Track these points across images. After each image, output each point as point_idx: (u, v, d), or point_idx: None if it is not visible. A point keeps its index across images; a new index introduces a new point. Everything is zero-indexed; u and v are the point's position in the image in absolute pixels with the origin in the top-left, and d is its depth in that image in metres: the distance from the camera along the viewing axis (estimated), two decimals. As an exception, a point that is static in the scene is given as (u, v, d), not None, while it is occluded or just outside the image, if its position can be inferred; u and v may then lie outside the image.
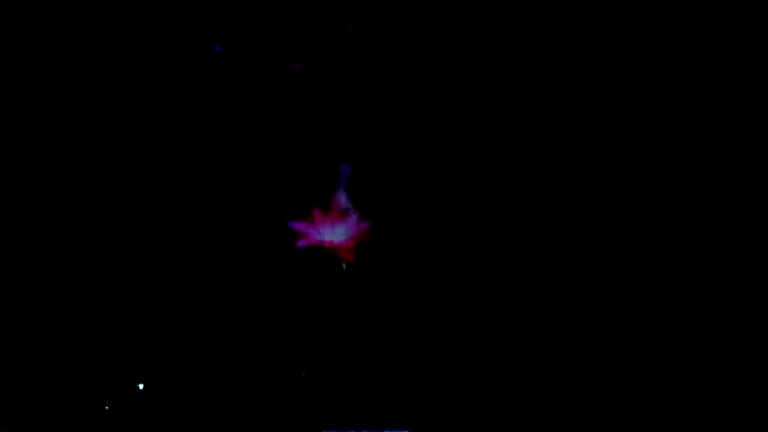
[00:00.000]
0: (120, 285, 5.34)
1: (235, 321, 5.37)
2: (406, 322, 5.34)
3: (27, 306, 5.27)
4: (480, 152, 5.45)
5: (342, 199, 5.36)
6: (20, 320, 5.25)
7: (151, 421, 5.19)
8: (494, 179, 5.42)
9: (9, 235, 5.32)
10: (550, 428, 5.14)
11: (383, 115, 5.48)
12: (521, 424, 5.16)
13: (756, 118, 5.26)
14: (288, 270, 5.43)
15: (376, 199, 5.43)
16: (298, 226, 5.28)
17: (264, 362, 5.32)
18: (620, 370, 5.18)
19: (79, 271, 5.33)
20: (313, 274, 5.43)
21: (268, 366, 5.31)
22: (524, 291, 5.32)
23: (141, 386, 5.25)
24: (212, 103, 5.47)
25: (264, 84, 5.47)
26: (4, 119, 5.37)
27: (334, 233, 5.29)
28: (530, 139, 5.42)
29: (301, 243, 5.29)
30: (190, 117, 5.46)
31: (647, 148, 5.35)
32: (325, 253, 5.41)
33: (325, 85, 5.47)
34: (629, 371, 5.17)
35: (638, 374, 5.16)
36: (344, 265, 5.30)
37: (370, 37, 5.46)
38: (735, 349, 5.11)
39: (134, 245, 5.38)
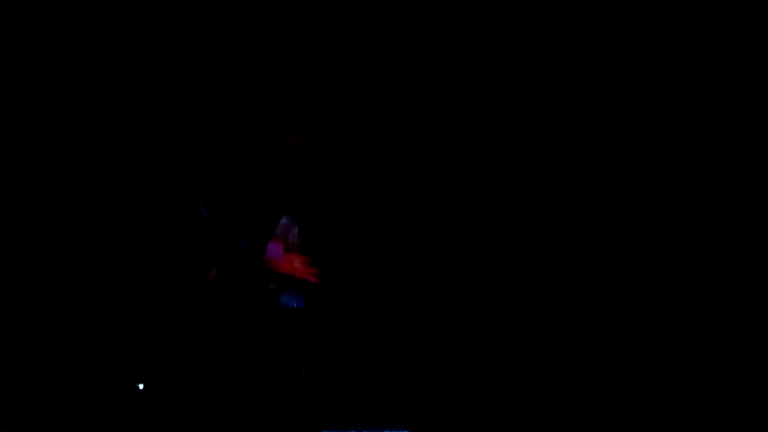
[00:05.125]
0: (120, 285, 5.35)
1: (234, 321, 5.37)
2: (405, 322, 5.35)
3: (27, 306, 5.28)
4: (474, 155, 5.46)
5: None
6: (20, 320, 5.26)
7: (151, 421, 5.19)
8: (490, 181, 5.44)
9: (9, 235, 5.33)
10: (550, 428, 5.15)
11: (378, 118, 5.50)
12: (521, 424, 5.16)
13: (756, 118, 5.26)
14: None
15: (375, 198, 5.44)
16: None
17: (264, 362, 5.32)
18: (620, 370, 5.18)
19: (79, 271, 5.34)
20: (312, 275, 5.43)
21: (268, 366, 5.32)
22: (523, 291, 5.33)
23: (141, 386, 5.25)
24: (209, 107, 5.48)
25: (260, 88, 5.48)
26: (3, 119, 5.38)
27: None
28: (525, 145, 5.44)
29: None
30: (188, 120, 5.47)
31: (647, 149, 5.35)
32: (324, 255, 5.42)
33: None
34: (629, 371, 5.18)
35: (638, 374, 5.17)
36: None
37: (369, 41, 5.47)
38: (735, 349, 5.12)
39: (134, 246, 5.39)
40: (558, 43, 5.40)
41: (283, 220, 5.01)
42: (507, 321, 5.31)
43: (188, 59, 5.47)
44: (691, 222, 5.30)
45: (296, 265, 4.95)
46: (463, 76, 5.47)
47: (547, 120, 5.44)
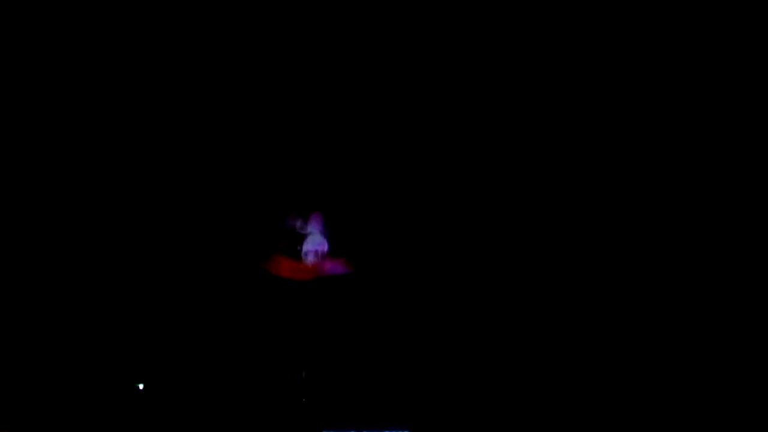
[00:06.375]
0: (120, 285, 5.35)
1: (235, 321, 5.38)
2: (405, 323, 5.35)
3: (27, 306, 5.28)
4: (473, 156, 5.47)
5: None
6: (20, 320, 5.26)
7: (151, 421, 5.20)
8: (489, 182, 5.45)
9: (9, 235, 5.33)
10: (550, 428, 5.15)
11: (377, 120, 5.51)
12: (521, 424, 5.16)
13: (756, 118, 5.27)
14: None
15: (375, 199, 5.45)
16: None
17: (264, 362, 5.32)
18: (620, 370, 5.19)
19: (79, 271, 5.34)
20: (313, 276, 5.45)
21: (268, 366, 5.32)
22: (523, 291, 5.33)
23: (141, 386, 5.26)
24: (211, 107, 5.48)
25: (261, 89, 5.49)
26: (4, 119, 5.39)
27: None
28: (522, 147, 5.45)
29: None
30: (190, 120, 5.48)
31: (646, 149, 5.36)
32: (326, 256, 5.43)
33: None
34: (629, 371, 5.18)
35: (638, 374, 5.17)
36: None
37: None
38: (735, 349, 5.12)
39: (134, 246, 5.39)
40: (558, 43, 5.41)
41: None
42: (507, 321, 5.31)
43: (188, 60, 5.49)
44: (691, 222, 5.30)
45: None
46: (463, 86, 5.48)
47: (547, 120, 5.44)
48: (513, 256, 5.37)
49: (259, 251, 5.43)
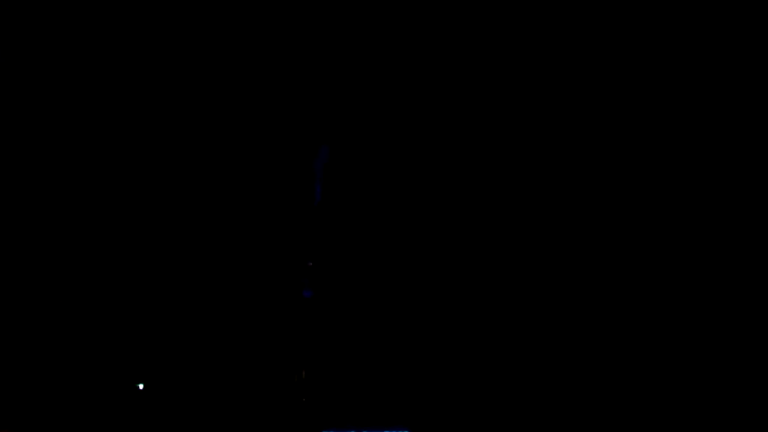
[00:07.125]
0: (120, 285, 5.35)
1: (235, 322, 5.38)
2: (405, 323, 5.35)
3: (27, 306, 5.28)
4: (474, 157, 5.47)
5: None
6: (20, 320, 5.26)
7: (151, 421, 5.20)
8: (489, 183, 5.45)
9: (9, 235, 5.33)
10: (550, 428, 5.15)
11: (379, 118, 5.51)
12: (521, 424, 5.16)
13: (756, 118, 5.27)
14: (288, 272, 5.45)
15: (376, 199, 5.45)
16: None
17: (264, 362, 5.33)
18: (620, 370, 5.19)
19: (79, 271, 5.34)
20: (313, 276, 5.45)
21: (268, 366, 5.32)
22: (523, 292, 5.33)
23: (141, 386, 5.26)
24: (212, 109, 5.48)
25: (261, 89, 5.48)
26: (4, 119, 5.38)
27: None
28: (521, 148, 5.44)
29: None
30: (190, 120, 5.48)
31: (644, 149, 5.36)
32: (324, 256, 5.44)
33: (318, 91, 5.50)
34: (629, 371, 5.18)
35: (638, 374, 5.17)
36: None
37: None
38: (735, 349, 5.13)
39: (134, 246, 5.39)
40: (558, 43, 5.40)
41: None
42: (507, 321, 5.31)
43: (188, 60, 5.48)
44: (690, 222, 5.30)
45: None
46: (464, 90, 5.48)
47: (548, 120, 5.44)
48: (513, 256, 5.38)
49: (259, 253, 5.43)
